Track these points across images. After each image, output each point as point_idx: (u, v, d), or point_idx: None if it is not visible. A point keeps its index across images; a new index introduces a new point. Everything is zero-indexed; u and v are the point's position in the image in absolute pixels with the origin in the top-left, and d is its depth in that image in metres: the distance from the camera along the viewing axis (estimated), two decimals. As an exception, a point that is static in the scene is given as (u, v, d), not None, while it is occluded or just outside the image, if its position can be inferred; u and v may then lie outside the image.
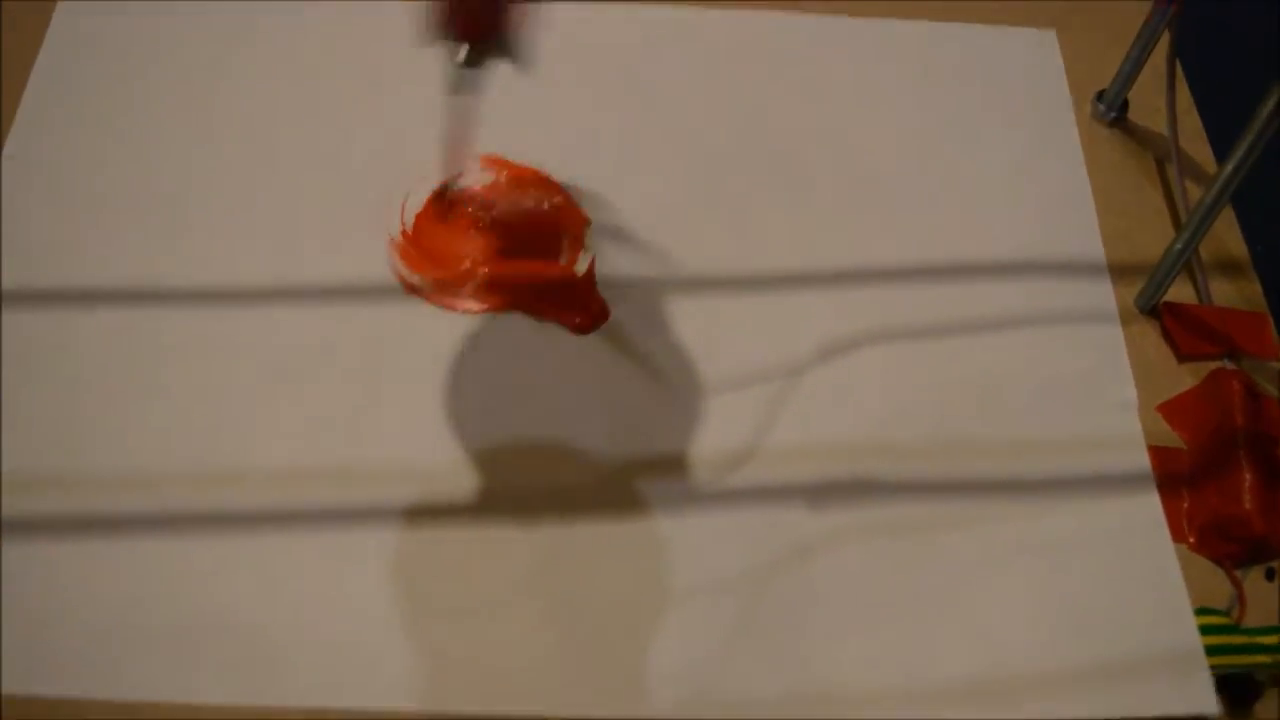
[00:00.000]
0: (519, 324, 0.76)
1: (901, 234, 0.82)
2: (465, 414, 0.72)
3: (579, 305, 0.77)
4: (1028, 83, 0.92)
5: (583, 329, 0.76)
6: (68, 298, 0.74)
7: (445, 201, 0.80)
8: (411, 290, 0.77)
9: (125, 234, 0.77)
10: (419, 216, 0.80)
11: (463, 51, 0.64)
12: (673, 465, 0.71)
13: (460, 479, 0.70)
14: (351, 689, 0.63)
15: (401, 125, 0.84)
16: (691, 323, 0.77)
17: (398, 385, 0.73)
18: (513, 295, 0.77)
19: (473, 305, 0.77)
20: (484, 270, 0.77)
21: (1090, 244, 0.83)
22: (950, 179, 0.85)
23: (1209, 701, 0.65)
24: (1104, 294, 0.81)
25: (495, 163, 0.82)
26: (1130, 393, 0.77)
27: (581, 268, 0.79)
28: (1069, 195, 0.85)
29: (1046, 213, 0.84)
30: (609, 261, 0.79)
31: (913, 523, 0.71)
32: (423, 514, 0.69)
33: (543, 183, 0.82)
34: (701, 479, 0.71)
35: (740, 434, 0.73)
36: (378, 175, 0.81)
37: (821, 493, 0.71)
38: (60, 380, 0.72)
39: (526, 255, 0.79)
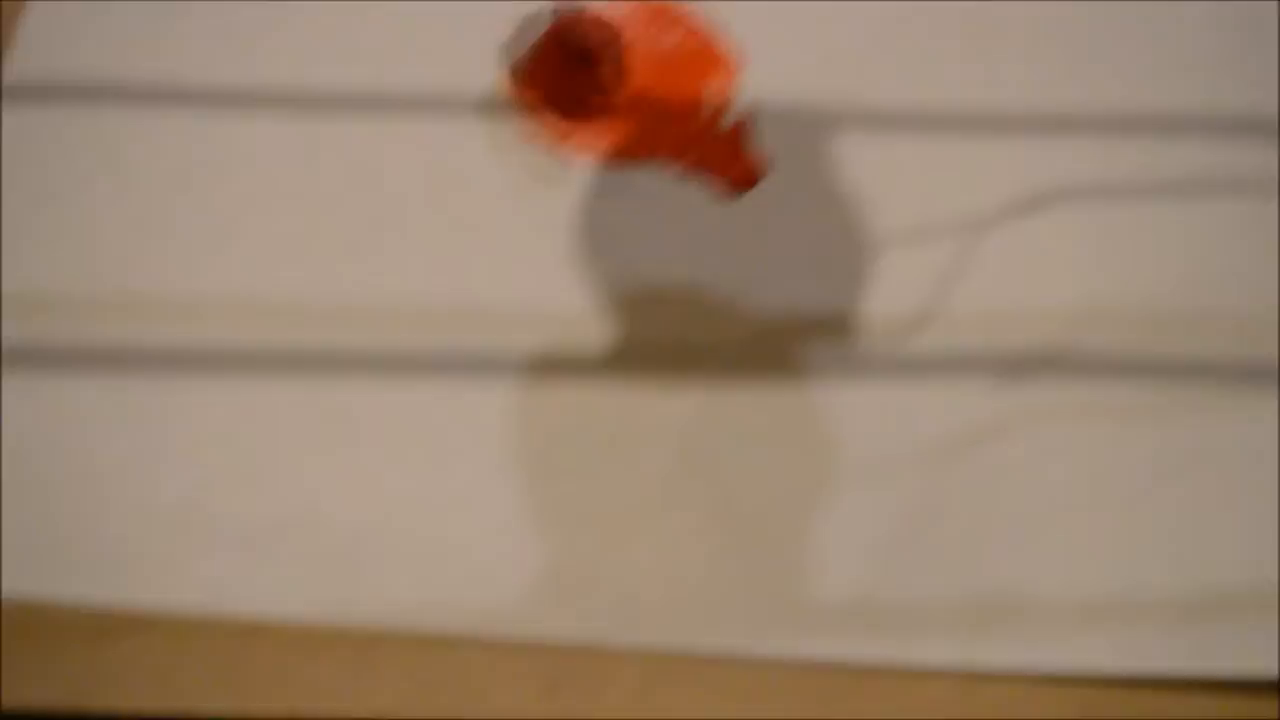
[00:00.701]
0: (657, 178, 0.65)
1: (1102, 82, 0.70)
2: (595, 259, 0.62)
3: (727, 163, 0.66)
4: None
5: (732, 191, 0.65)
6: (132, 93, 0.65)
7: (566, 41, 0.69)
8: (532, 134, 0.67)
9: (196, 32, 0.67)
10: (541, 49, 0.69)
11: None
12: (838, 326, 0.61)
13: (591, 330, 0.60)
14: (460, 599, 0.54)
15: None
16: (860, 170, 0.66)
17: (511, 228, 0.63)
18: (649, 147, 0.66)
19: (601, 154, 0.66)
20: (615, 117, 0.66)
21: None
22: (1159, 21, 0.72)
23: None
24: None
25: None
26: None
27: (731, 118, 0.68)
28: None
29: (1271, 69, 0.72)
30: (764, 110, 0.67)
31: (1120, 406, 0.60)
32: (547, 368, 0.59)
33: (687, 18, 0.70)
34: (872, 344, 0.61)
35: (917, 295, 0.62)
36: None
37: (1012, 365, 0.61)
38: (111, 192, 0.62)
39: (666, 102, 0.68)
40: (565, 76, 0.68)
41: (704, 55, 0.69)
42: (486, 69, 0.67)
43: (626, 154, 0.66)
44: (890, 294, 0.62)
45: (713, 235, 0.63)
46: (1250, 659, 0.55)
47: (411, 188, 0.63)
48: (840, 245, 0.63)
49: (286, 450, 0.56)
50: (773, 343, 0.60)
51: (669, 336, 0.60)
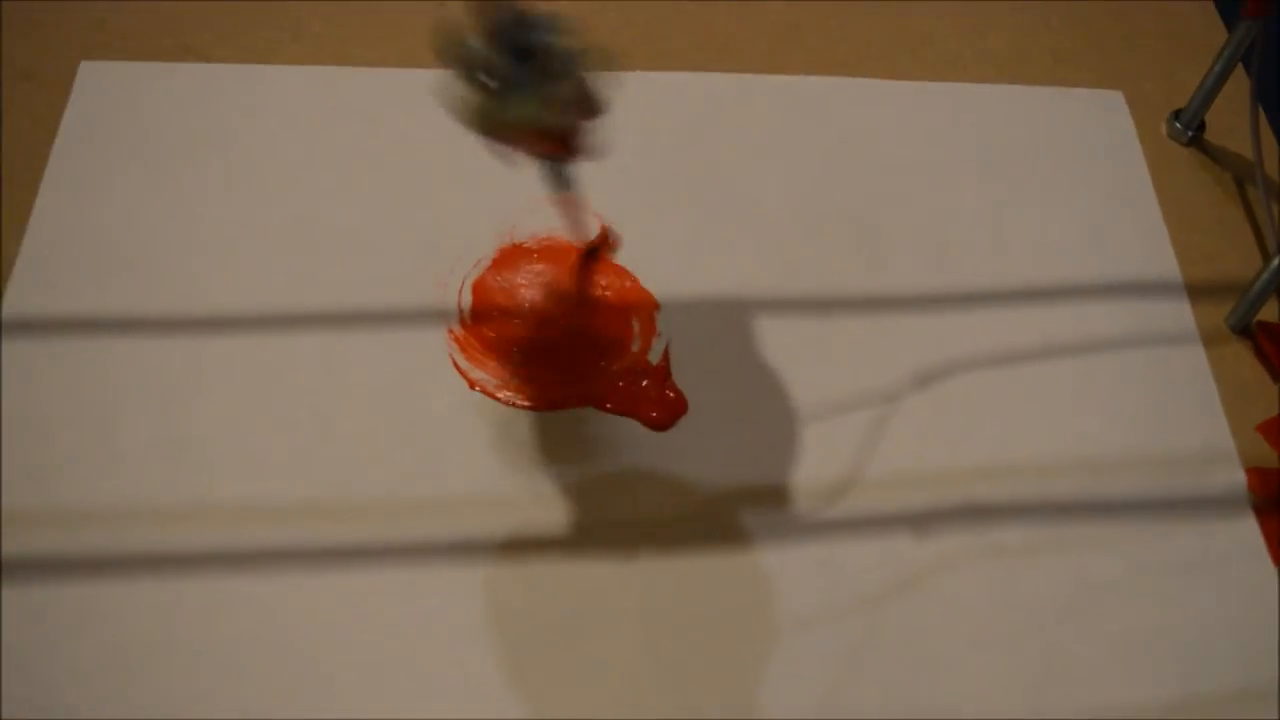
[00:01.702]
0: (591, 419, 0.71)
1: (983, 262, 0.81)
2: (553, 450, 0.70)
3: (654, 397, 0.72)
4: (1098, 142, 0.88)
5: (660, 425, 0.71)
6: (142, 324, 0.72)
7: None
8: (474, 385, 0.72)
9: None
10: (476, 305, 0.75)
11: (548, 171, 0.64)
12: (773, 496, 0.69)
13: (554, 514, 0.68)
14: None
15: (453, 203, 0.79)
16: (783, 353, 0.75)
17: (464, 478, 0.69)
18: (582, 390, 0.72)
19: (538, 402, 0.72)
20: (548, 366, 0.73)
21: (1173, 288, 0.81)
22: (1028, 239, 0.82)
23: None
24: (1186, 320, 0.79)
25: (556, 247, 0.78)
26: (1218, 415, 0.75)
27: (655, 356, 0.74)
28: (1149, 251, 0.83)
29: (1126, 264, 0.82)
30: (684, 344, 0.75)
31: (1018, 547, 0.69)
32: (512, 549, 0.66)
33: (607, 266, 0.78)
34: (803, 510, 0.69)
35: (839, 464, 0.71)
36: (431, 258, 0.77)
37: (926, 520, 0.69)
38: (102, 411, 0.69)
39: (595, 345, 0.74)
40: (501, 332, 0.74)
41: (628, 296, 0.76)
42: (426, 336, 0.74)
43: (561, 402, 0.72)
44: (814, 465, 0.70)
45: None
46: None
47: (380, 395, 0.71)
48: (767, 426, 0.72)
49: (298, 639, 0.63)
50: (716, 515, 0.68)
51: (624, 514, 0.68)
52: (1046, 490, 0.71)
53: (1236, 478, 0.73)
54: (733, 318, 0.76)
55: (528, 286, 0.76)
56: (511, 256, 0.77)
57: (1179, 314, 0.80)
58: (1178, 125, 0.88)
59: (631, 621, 0.65)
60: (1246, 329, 0.79)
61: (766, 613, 0.65)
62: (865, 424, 0.72)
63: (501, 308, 0.75)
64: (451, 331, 0.74)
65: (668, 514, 0.68)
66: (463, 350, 0.73)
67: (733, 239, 0.80)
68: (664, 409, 0.72)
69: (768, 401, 0.73)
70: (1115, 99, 0.90)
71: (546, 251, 0.78)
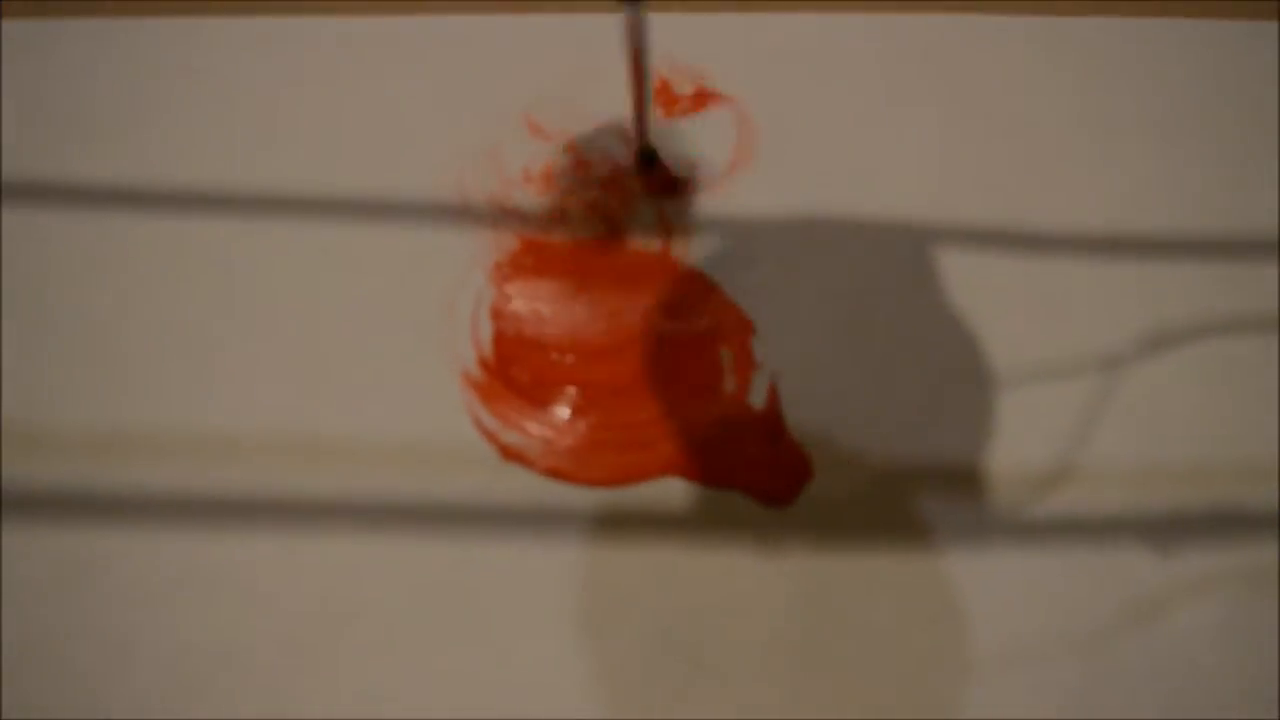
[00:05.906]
0: (674, 493, 0.50)
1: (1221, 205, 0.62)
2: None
3: (763, 459, 0.50)
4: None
5: (779, 498, 0.50)
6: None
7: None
8: (510, 455, 0.50)
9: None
10: (499, 337, 0.52)
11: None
12: (961, 481, 0.52)
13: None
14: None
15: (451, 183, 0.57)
16: (971, 304, 0.57)
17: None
18: (660, 454, 0.50)
19: (599, 475, 0.50)
20: (607, 419, 0.51)
21: None
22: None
23: None
24: None
25: (608, 249, 0.54)
26: None
27: (758, 398, 0.52)
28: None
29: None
30: (793, 381, 0.53)
31: (1292, 577, 0.51)
32: (615, 528, 0.49)
33: (680, 275, 0.54)
34: (1000, 502, 0.51)
35: (1049, 445, 0.53)
36: (426, 271, 0.54)
37: (1167, 527, 0.51)
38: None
39: (672, 390, 0.51)
40: (539, 374, 0.51)
41: (715, 316, 0.53)
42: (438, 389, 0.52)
43: (633, 475, 0.51)
44: (1016, 443, 0.53)
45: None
46: None
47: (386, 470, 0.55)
48: (958, 388, 0.54)
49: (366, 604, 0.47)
50: (887, 497, 0.51)
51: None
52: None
53: None
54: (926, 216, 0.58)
55: (565, 301, 0.53)
56: (536, 258, 0.54)
57: None
58: None
59: (771, 627, 0.48)
60: None
61: (952, 638, 0.48)
62: (1084, 393, 0.55)
63: (533, 338, 0.52)
64: (467, 376, 0.52)
65: (825, 490, 0.51)
66: (486, 403, 0.51)
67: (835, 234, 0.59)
68: (779, 477, 0.49)
69: (955, 360, 0.55)
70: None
71: (581, 249, 0.54)
